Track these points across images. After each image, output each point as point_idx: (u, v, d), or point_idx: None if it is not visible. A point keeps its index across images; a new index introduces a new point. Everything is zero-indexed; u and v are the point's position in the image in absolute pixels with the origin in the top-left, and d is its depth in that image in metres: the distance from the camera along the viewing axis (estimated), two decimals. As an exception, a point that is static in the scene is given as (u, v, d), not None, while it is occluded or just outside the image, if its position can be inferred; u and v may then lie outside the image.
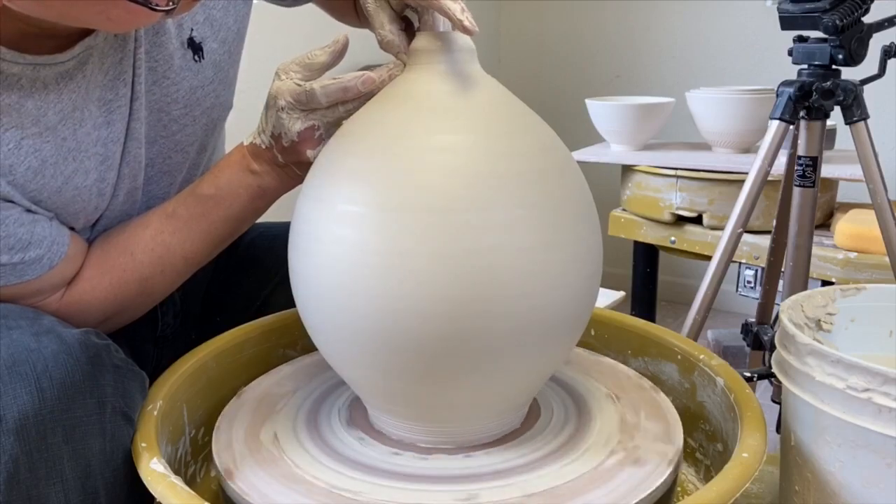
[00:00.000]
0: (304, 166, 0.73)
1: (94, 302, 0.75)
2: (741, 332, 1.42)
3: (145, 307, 0.81)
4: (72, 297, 0.75)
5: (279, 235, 0.87)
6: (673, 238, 1.84)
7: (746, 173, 1.26)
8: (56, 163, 0.70)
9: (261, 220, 1.07)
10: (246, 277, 0.96)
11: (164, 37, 0.76)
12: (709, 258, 1.29)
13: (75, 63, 0.69)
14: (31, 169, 0.68)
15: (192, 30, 0.79)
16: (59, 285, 0.74)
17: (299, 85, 0.71)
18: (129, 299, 0.77)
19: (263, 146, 0.75)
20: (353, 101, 0.70)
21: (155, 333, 0.90)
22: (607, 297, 1.81)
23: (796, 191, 1.25)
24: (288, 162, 0.75)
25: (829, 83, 1.17)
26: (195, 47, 0.80)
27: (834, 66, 1.19)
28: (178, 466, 0.71)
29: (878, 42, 1.17)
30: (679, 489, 0.72)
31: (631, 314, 1.62)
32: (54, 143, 0.69)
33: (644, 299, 2.02)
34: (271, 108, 0.73)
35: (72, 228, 0.75)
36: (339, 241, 0.60)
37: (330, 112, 0.71)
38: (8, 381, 0.57)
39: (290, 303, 0.67)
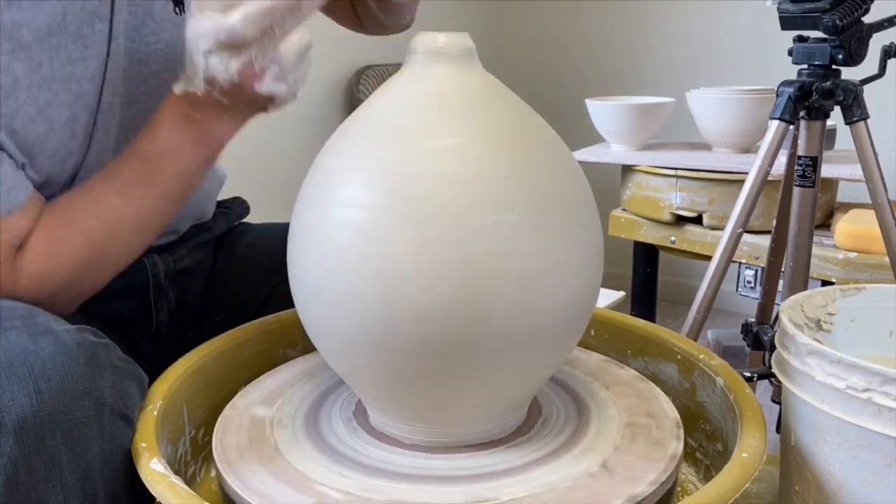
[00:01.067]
0: (256, 102, 0.69)
1: (46, 271, 0.71)
2: (741, 332, 1.42)
3: (104, 274, 0.76)
4: (22, 265, 0.71)
5: (278, 236, 0.87)
6: (673, 238, 1.84)
7: (746, 173, 1.26)
8: (29, 86, 0.69)
9: (259, 220, 1.08)
10: (245, 277, 0.96)
11: None
12: (709, 258, 1.29)
13: None
14: (4, 87, 0.67)
15: None
16: (10, 243, 0.70)
17: (218, 22, 0.64)
18: (80, 266, 0.73)
19: (200, 93, 0.69)
20: (288, 16, 0.64)
21: (150, 331, 0.89)
22: (607, 297, 1.81)
23: (796, 191, 1.25)
24: (235, 103, 0.70)
25: (829, 83, 1.17)
26: (177, 0, 0.79)
27: (834, 66, 1.19)
28: (178, 466, 0.71)
29: (878, 42, 1.17)
30: (679, 489, 0.72)
31: (631, 314, 1.62)
32: (27, 65, 0.68)
33: (644, 299, 2.03)
34: (195, 52, 0.67)
35: (40, 190, 0.73)
36: (337, 245, 0.60)
37: (265, 40, 0.65)
38: (6, 383, 0.56)
39: (289, 302, 0.67)
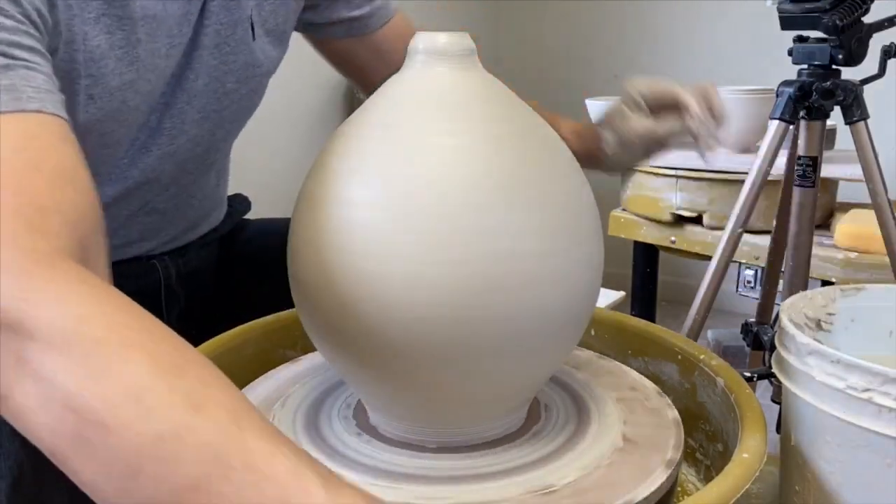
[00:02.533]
0: None
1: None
2: (741, 332, 1.41)
3: None
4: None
5: (275, 232, 0.87)
6: (673, 238, 1.84)
7: (746, 173, 1.26)
8: (121, 58, 0.69)
9: (259, 217, 1.08)
10: (247, 278, 0.96)
11: (234, 2, 0.77)
12: (709, 258, 1.29)
13: None
14: (99, 48, 0.67)
15: (250, 8, 0.80)
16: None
17: None
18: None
19: None
20: None
21: None
22: (607, 297, 1.81)
23: (796, 191, 1.25)
24: None
25: (829, 83, 1.17)
26: (252, 25, 0.80)
27: (834, 66, 1.19)
28: (178, 466, 0.71)
29: (878, 42, 1.17)
30: (679, 489, 0.72)
31: (631, 314, 1.62)
32: (127, 38, 0.69)
33: (644, 299, 2.02)
34: None
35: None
36: (337, 245, 0.60)
37: None
38: None
39: (287, 298, 0.67)
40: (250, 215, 1.07)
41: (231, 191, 1.05)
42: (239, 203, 1.05)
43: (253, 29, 0.81)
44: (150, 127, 0.76)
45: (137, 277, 0.84)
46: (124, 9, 0.68)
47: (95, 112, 0.70)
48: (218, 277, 0.97)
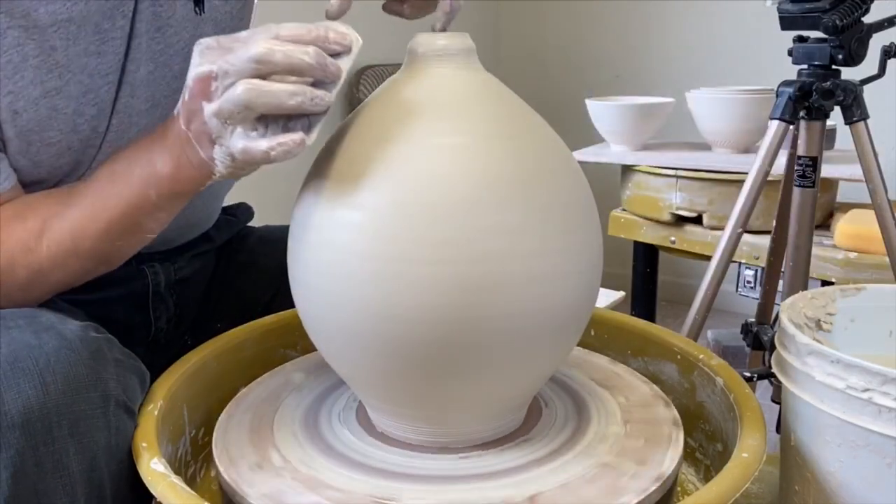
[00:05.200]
0: (203, 139, 0.61)
1: None
2: (741, 332, 1.42)
3: (30, 287, 0.69)
4: None
5: (279, 239, 0.87)
6: (673, 238, 1.84)
7: (746, 173, 1.26)
8: (38, 67, 0.68)
9: (258, 220, 1.08)
10: (247, 283, 0.96)
11: None
12: (709, 258, 1.29)
13: None
14: (11, 63, 0.66)
15: None
16: None
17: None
18: (7, 266, 0.67)
19: (176, 112, 0.63)
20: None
21: (148, 338, 0.89)
22: (607, 297, 1.81)
23: (796, 191, 1.25)
24: (189, 128, 0.62)
25: (829, 83, 1.17)
26: None
27: (834, 66, 1.19)
28: (178, 466, 0.71)
29: (878, 42, 1.17)
30: (679, 489, 0.72)
31: (631, 314, 1.62)
32: (40, 46, 0.67)
33: (644, 299, 2.02)
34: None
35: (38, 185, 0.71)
36: (337, 245, 0.60)
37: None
38: (11, 377, 0.57)
39: (292, 305, 0.67)
40: (252, 221, 1.06)
41: (234, 199, 1.04)
42: (242, 212, 1.04)
43: (202, 2, 0.77)
44: (92, 127, 0.73)
45: (124, 282, 0.83)
46: (26, 18, 0.66)
47: (26, 123, 0.69)
48: (218, 285, 0.97)
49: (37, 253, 0.67)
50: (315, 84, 0.60)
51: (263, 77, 0.58)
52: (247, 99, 0.58)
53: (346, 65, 0.61)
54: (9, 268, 0.67)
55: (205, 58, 0.60)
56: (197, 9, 0.78)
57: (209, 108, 0.59)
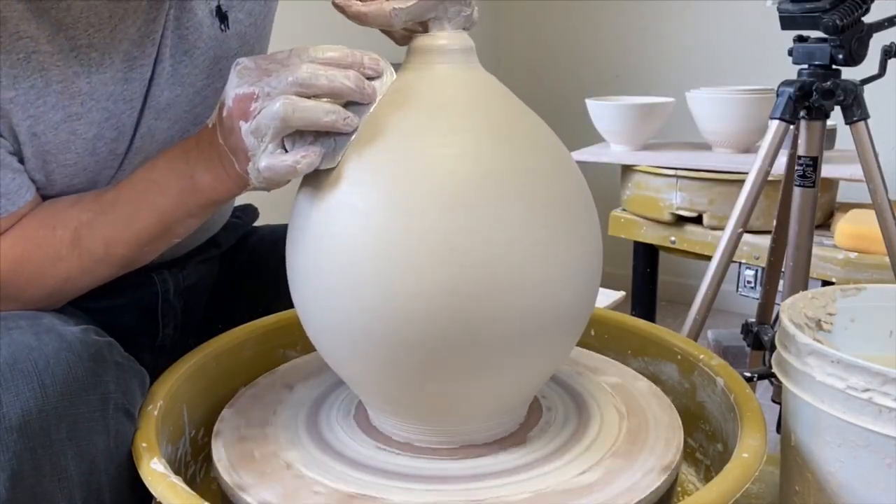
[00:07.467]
0: (240, 154, 0.63)
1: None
2: (741, 332, 1.42)
3: (55, 294, 0.71)
4: None
5: (280, 239, 0.88)
6: (673, 238, 1.84)
7: (746, 173, 1.26)
8: (61, 92, 0.68)
9: (263, 222, 1.07)
10: (249, 284, 0.96)
11: (194, 2, 0.75)
12: (709, 258, 1.29)
13: (110, 4, 0.68)
14: (34, 88, 0.66)
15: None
16: None
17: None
18: (35, 277, 0.68)
19: (210, 123, 0.66)
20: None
21: (154, 344, 0.89)
22: (607, 297, 1.80)
23: (796, 191, 1.25)
24: (227, 143, 0.64)
25: (829, 83, 1.17)
26: (222, 16, 0.77)
27: (834, 66, 1.19)
28: (178, 466, 0.71)
29: (878, 42, 1.17)
30: (679, 489, 0.72)
31: (631, 314, 1.62)
32: (64, 72, 0.67)
33: (644, 299, 2.02)
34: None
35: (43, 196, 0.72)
36: (338, 240, 0.60)
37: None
38: (10, 379, 0.56)
39: (292, 305, 0.67)
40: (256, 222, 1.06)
41: (238, 200, 1.04)
42: (247, 214, 1.04)
43: (227, 19, 0.78)
44: (111, 149, 0.73)
45: (134, 290, 0.83)
46: (51, 44, 0.66)
47: (44, 145, 0.69)
48: (221, 286, 0.96)
49: (68, 262, 0.69)
50: (345, 106, 0.62)
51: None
52: (284, 113, 0.59)
53: (379, 89, 0.63)
54: (37, 279, 0.68)
55: (244, 79, 0.62)
56: (222, 26, 0.78)
57: (246, 127, 0.62)
